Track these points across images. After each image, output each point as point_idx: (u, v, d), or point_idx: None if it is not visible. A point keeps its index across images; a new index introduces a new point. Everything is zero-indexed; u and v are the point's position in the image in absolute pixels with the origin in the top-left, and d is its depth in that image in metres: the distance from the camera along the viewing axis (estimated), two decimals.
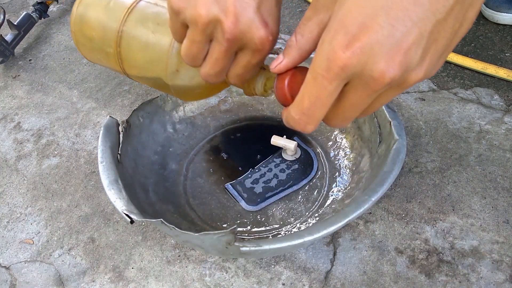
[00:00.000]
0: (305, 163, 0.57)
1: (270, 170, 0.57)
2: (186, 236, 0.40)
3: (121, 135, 0.51)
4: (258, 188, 0.55)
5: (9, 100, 0.78)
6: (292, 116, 0.28)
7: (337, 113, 0.28)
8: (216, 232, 0.37)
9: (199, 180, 0.57)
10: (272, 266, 0.50)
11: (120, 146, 0.50)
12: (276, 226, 0.52)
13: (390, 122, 0.48)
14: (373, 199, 0.41)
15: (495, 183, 0.54)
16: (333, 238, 0.51)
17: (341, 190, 0.54)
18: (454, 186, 0.55)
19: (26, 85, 0.81)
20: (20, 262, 0.54)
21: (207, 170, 0.59)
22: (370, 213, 0.53)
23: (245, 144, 0.61)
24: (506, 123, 0.61)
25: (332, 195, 0.54)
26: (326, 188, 0.55)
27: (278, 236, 0.51)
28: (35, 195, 0.62)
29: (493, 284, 0.46)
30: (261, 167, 0.57)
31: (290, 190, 0.55)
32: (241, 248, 0.38)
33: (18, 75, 0.84)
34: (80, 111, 0.74)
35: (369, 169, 0.52)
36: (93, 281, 0.51)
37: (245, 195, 0.55)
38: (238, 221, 0.53)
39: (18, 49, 0.90)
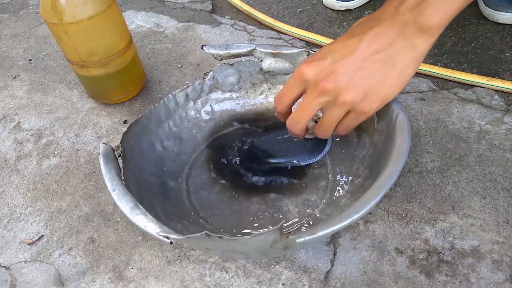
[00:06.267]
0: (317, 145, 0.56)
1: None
2: (233, 243, 0.38)
3: (119, 160, 0.49)
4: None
5: (9, 100, 0.78)
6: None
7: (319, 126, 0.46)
8: (263, 231, 0.36)
9: (203, 192, 0.56)
10: (272, 266, 0.50)
11: (122, 172, 0.48)
12: (296, 219, 0.51)
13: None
14: (399, 168, 0.41)
15: (495, 183, 0.54)
16: (333, 238, 0.51)
17: (347, 173, 0.54)
18: (454, 186, 0.55)
19: (26, 85, 0.81)
20: (20, 262, 0.54)
21: (208, 181, 0.57)
22: (370, 213, 0.53)
23: (236, 148, 0.60)
24: (506, 123, 0.61)
25: (339, 178, 0.54)
26: (330, 173, 0.55)
27: (305, 226, 0.50)
28: (35, 195, 0.62)
29: (493, 284, 0.46)
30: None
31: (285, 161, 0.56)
32: (297, 240, 0.37)
33: (18, 75, 0.84)
34: (80, 111, 0.74)
35: (370, 147, 0.51)
36: (93, 281, 0.51)
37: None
38: (257, 224, 0.52)
39: (18, 49, 0.90)
